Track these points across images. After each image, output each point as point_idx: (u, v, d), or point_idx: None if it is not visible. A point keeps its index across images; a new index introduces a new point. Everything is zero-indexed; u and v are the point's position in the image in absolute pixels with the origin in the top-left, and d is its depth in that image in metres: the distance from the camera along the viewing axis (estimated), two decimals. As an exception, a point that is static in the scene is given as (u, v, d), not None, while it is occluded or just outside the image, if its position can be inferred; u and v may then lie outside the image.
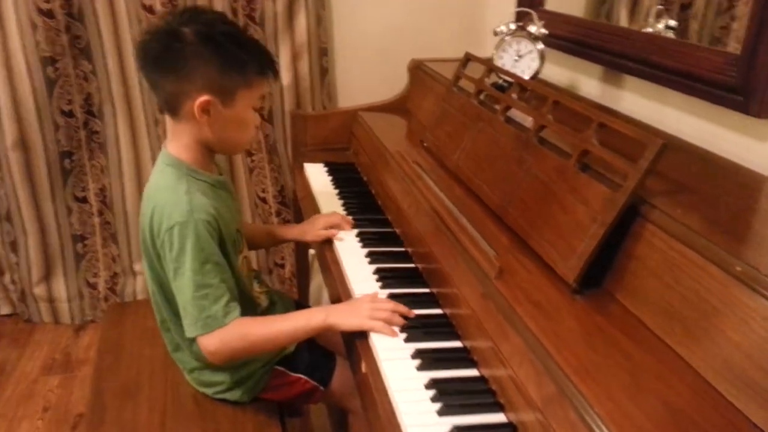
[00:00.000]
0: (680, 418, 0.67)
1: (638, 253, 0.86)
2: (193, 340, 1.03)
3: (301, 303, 1.44)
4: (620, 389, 0.71)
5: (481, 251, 1.01)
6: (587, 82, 1.54)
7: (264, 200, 2.19)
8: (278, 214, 2.21)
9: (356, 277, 1.16)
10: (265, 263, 2.31)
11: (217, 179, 1.10)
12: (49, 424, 1.73)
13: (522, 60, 1.48)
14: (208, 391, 1.16)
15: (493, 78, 1.44)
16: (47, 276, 2.11)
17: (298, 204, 1.66)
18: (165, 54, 0.98)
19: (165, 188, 1.03)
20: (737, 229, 0.85)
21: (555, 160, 1.02)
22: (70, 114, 1.94)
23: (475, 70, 1.40)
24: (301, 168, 1.70)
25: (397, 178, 1.38)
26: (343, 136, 1.80)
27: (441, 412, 0.83)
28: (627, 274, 0.87)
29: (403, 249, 1.26)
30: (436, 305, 1.07)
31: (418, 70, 1.81)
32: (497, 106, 1.25)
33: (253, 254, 2.29)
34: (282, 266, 2.32)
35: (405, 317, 1.02)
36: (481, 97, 1.36)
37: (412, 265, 1.20)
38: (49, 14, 1.79)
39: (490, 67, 1.37)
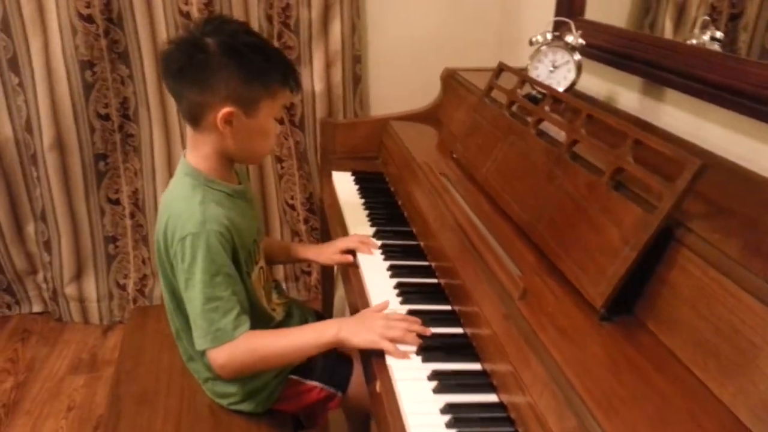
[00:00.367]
0: (711, 462, 0.62)
1: (672, 279, 0.81)
2: (203, 352, 1.01)
3: (323, 315, 1.41)
4: (646, 425, 0.66)
5: (505, 270, 0.96)
6: (626, 94, 1.48)
7: (292, 207, 2.19)
8: (306, 221, 2.20)
9: (376, 290, 1.13)
10: (292, 270, 2.30)
11: (234, 188, 1.08)
12: (72, 424, 1.75)
13: (558, 71, 1.43)
14: (223, 402, 1.15)
15: (527, 89, 1.40)
16: (78, 276, 2.15)
17: (324, 212, 1.65)
18: (188, 65, 0.97)
19: (181, 198, 1.03)
20: (781, 257, 0.79)
21: (587, 177, 0.97)
22: (106, 117, 1.97)
23: (509, 81, 1.36)
24: (329, 176, 1.68)
25: (424, 190, 1.35)
26: (373, 144, 1.78)
27: (455, 439, 0.79)
28: (659, 301, 0.82)
29: (426, 263, 1.23)
30: (457, 324, 1.03)
31: (451, 79, 1.77)
32: (529, 119, 1.21)
33: (280, 261, 2.28)
34: (309, 273, 2.30)
35: (422, 335, 0.98)
36: (513, 108, 1.32)
37: (435, 281, 1.17)
38: (89, 19, 1.82)
39: (522, 77, 1.33)
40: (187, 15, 1.88)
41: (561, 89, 1.39)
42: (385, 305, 1.05)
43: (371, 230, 1.36)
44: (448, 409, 0.84)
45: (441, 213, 1.23)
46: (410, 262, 1.23)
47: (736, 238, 0.79)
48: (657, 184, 0.83)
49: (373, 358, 0.98)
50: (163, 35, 1.92)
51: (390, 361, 0.94)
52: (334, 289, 1.92)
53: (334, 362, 1.18)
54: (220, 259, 0.98)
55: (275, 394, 1.14)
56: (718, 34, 1.25)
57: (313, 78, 2.03)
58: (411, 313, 1.05)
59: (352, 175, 1.67)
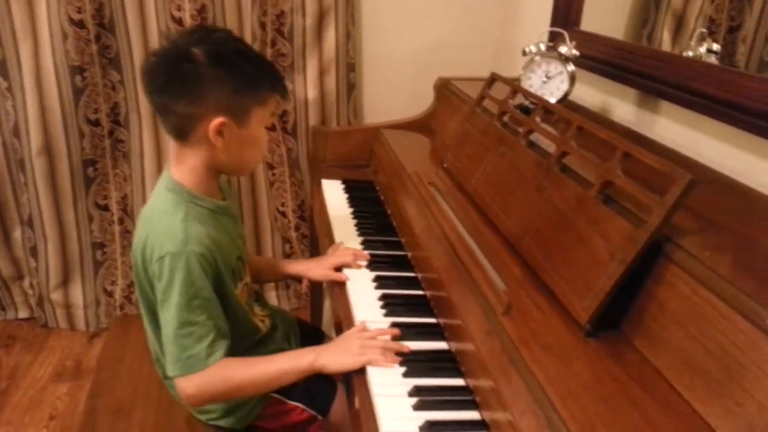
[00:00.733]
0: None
1: (660, 296, 0.78)
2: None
3: (306, 324, 1.38)
4: (630, 451, 0.63)
5: (489, 283, 0.94)
6: (621, 106, 1.46)
7: (283, 214, 2.16)
8: (297, 228, 2.18)
9: (360, 302, 1.10)
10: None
11: (218, 205, 1.04)
12: (53, 433, 1.71)
13: (551, 81, 1.41)
14: (202, 417, 1.11)
15: (519, 99, 1.37)
16: (65, 282, 2.11)
17: (314, 221, 1.62)
18: (175, 76, 0.93)
19: (162, 213, 0.98)
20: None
21: (576, 190, 0.95)
22: (96, 123, 1.95)
23: (502, 91, 1.34)
24: (319, 184, 1.65)
25: (413, 199, 1.32)
26: (365, 153, 1.75)
27: (433, 460, 0.76)
28: (646, 318, 0.79)
29: (413, 275, 1.20)
30: (442, 337, 1.01)
31: (444, 88, 1.75)
32: (520, 129, 1.19)
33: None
34: (299, 281, 2.27)
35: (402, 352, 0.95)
36: (505, 119, 1.29)
37: (421, 293, 1.14)
38: (80, 24, 1.80)
39: (514, 88, 1.31)
40: (179, 21, 1.86)
41: (553, 100, 1.37)
42: (363, 327, 1.02)
43: (359, 239, 1.33)
44: (429, 426, 0.81)
45: (428, 223, 1.20)
46: (397, 273, 1.21)
47: (727, 256, 0.77)
48: (646, 198, 0.81)
49: (354, 374, 0.95)
50: (155, 41, 1.90)
51: (370, 376, 0.91)
52: (323, 299, 1.88)
53: (317, 384, 1.14)
54: (199, 282, 0.95)
55: (255, 411, 1.11)
56: (715, 47, 1.23)
57: (307, 85, 2.01)
58: (394, 325, 1.02)
59: (343, 183, 1.64)
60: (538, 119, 1.16)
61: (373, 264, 1.23)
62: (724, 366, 0.66)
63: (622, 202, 0.87)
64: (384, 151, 1.62)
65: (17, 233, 2.10)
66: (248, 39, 1.94)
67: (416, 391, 0.88)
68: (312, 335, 1.34)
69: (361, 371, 0.93)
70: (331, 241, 1.36)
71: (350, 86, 2.06)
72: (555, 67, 1.40)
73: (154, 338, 1.07)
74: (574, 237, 0.90)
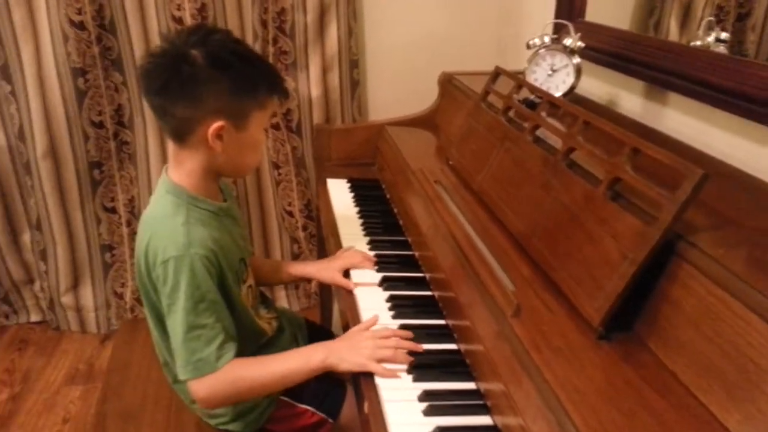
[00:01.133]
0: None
1: (674, 296, 0.76)
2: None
3: (314, 325, 1.37)
4: (645, 457, 0.62)
5: (498, 284, 0.92)
6: (628, 98, 1.44)
7: (291, 214, 2.15)
8: (305, 228, 2.17)
9: (367, 304, 1.09)
10: (291, 278, 2.27)
11: (220, 206, 1.04)
12: (66, 437, 1.72)
13: (556, 74, 1.39)
14: (211, 421, 1.11)
15: (524, 94, 1.35)
16: (75, 285, 2.12)
17: (320, 221, 1.61)
18: (174, 79, 0.92)
19: (163, 217, 0.98)
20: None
21: (584, 187, 0.93)
22: (100, 125, 1.95)
23: (506, 85, 1.32)
24: (324, 184, 1.64)
25: (419, 197, 1.31)
26: (370, 150, 1.74)
27: (445, 467, 0.75)
28: (660, 319, 0.77)
29: (421, 275, 1.19)
30: (451, 339, 0.99)
31: (448, 83, 1.73)
32: (526, 125, 1.17)
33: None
34: (309, 281, 2.26)
35: (414, 352, 0.94)
36: (510, 114, 1.27)
37: (429, 293, 1.13)
38: (80, 26, 1.79)
39: (519, 82, 1.29)
40: (180, 20, 1.85)
41: (559, 93, 1.35)
42: (374, 321, 1.01)
43: (365, 239, 1.32)
44: (439, 432, 0.80)
45: (434, 222, 1.19)
46: (404, 273, 1.19)
47: (742, 253, 0.75)
48: (656, 194, 0.79)
49: (362, 378, 0.94)
50: (156, 41, 1.89)
51: (379, 380, 0.90)
52: (332, 300, 1.88)
53: (327, 387, 1.14)
54: (204, 285, 0.94)
55: (265, 414, 1.10)
56: (724, 35, 1.20)
57: (310, 83, 2.00)
58: (403, 327, 1.01)
59: (348, 182, 1.63)
60: (543, 114, 1.14)
61: (381, 264, 1.22)
62: (742, 368, 0.65)
63: (631, 199, 0.85)
64: (389, 149, 1.61)
65: (26, 237, 2.11)
66: (249, 37, 1.93)
67: (426, 395, 0.87)
68: (320, 336, 1.33)
69: (370, 375, 0.92)
70: (337, 241, 1.34)
71: (354, 83, 2.05)
72: (560, 59, 1.38)
73: (160, 342, 1.07)
74: (584, 235, 0.88)
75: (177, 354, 0.95)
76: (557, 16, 1.61)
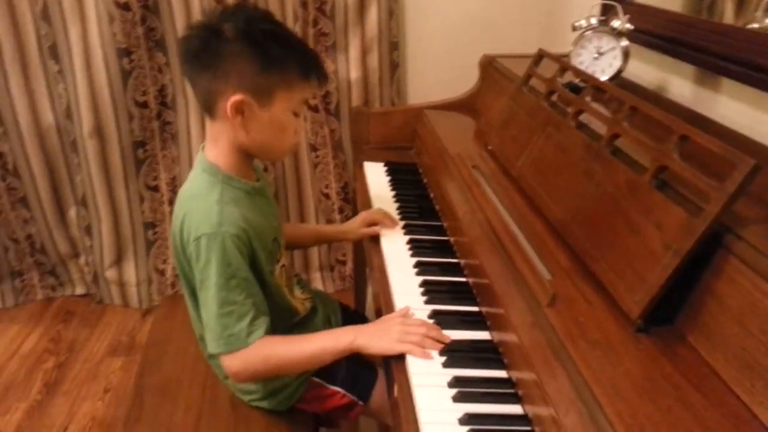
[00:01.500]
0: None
1: (718, 290, 0.73)
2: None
3: (347, 308, 1.38)
4: (682, 456, 0.60)
5: (534, 273, 0.90)
6: (678, 83, 1.38)
7: (327, 196, 2.16)
8: (341, 210, 2.17)
9: (400, 288, 1.09)
10: (327, 261, 2.28)
11: (253, 186, 1.05)
12: (108, 406, 1.78)
13: (602, 58, 1.34)
14: (244, 397, 1.13)
15: (568, 77, 1.31)
16: (119, 260, 2.18)
17: (357, 203, 1.61)
18: (203, 50, 0.94)
19: (197, 195, 1.00)
20: None
21: (628, 175, 0.90)
22: (144, 105, 1.98)
23: (550, 69, 1.28)
24: (361, 167, 1.64)
25: (456, 182, 1.29)
26: (408, 134, 1.72)
27: (473, 455, 0.75)
28: (702, 313, 0.74)
29: (455, 261, 1.18)
30: (484, 327, 0.98)
31: (489, 66, 1.70)
32: (569, 109, 1.13)
33: (315, 251, 2.27)
34: (343, 263, 2.28)
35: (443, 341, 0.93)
36: (553, 98, 1.24)
37: (463, 279, 1.12)
38: (125, 7, 1.82)
39: (563, 65, 1.25)
40: (221, 0, 1.86)
41: (605, 77, 1.30)
42: (406, 311, 1.00)
43: (401, 223, 1.31)
44: (468, 419, 0.80)
45: (471, 208, 1.17)
46: (439, 258, 1.18)
47: (793, 247, 0.71)
48: (704, 184, 0.75)
49: (393, 362, 0.93)
50: (199, 22, 1.91)
51: (410, 365, 0.90)
52: (366, 283, 1.88)
53: (358, 369, 1.14)
54: (235, 262, 0.95)
55: (296, 394, 1.11)
56: (784, 18, 1.13)
57: (349, 65, 1.99)
58: (435, 313, 1.01)
59: (385, 165, 1.62)
60: (588, 98, 1.11)
61: (415, 249, 1.21)
62: (788, 368, 0.62)
63: (678, 189, 0.82)
64: (427, 133, 1.59)
65: (72, 213, 2.18)
66: (290, 19, 1.92)
67: (456, 382, 0.86)
68: (354, 320, 1.33)
69: (401, 359, 0.92)
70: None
71: (393, 66, 2.03)
72: (607, 42, 1.33)
73: (195, 317, 1.09)
74: (626, 225, 0.85)
75: (209, 328, 0.97)
76: (605, -3, 1.55)
